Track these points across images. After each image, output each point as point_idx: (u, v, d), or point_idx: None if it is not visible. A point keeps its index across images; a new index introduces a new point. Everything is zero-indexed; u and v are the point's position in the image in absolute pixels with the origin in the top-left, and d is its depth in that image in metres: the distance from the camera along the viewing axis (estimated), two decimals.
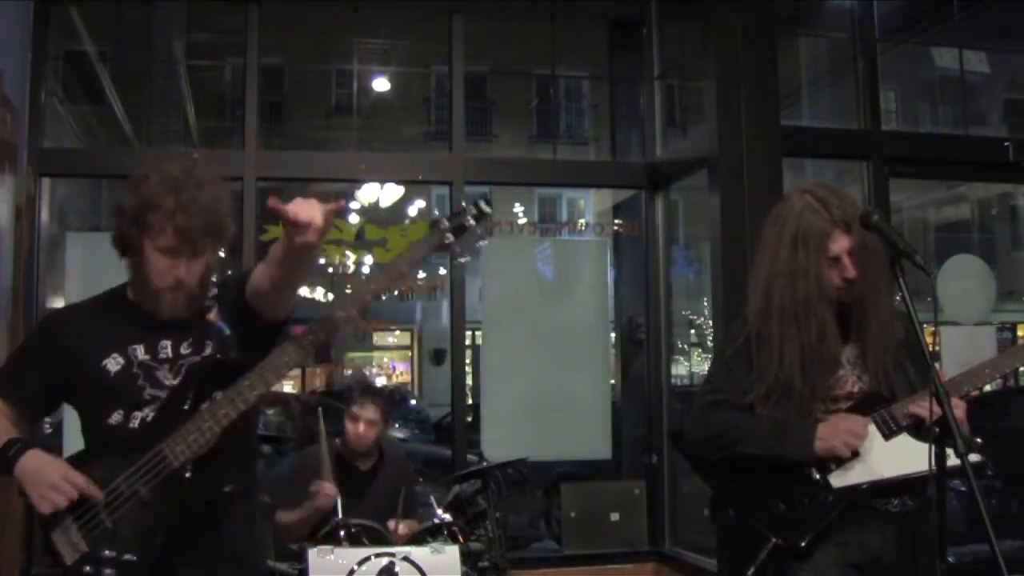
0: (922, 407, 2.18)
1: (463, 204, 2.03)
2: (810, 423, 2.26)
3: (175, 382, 2.07)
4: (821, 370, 2.27)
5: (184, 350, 2.10)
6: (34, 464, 2.00)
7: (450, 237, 1.99)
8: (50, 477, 1.97)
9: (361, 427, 3.88)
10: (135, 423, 2.04)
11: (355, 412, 3.89)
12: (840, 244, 2.23)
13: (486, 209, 2.01)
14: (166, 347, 2.10)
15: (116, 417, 2.04)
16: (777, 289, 2.28)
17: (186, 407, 2.02)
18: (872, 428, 2.26)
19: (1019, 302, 12.85)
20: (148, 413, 2.04)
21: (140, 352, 2.09)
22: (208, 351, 2.11)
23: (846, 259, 2.24)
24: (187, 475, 1.97)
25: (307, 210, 1.76)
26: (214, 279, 2.16)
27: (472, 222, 2.00)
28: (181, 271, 2.03)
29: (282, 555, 3.75)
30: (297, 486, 3.94)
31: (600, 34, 6.53)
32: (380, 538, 3.45)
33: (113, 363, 2.07)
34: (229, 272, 2.26)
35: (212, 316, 2.14)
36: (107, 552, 1.96)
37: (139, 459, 1.98)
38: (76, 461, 2.04)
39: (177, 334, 2.11)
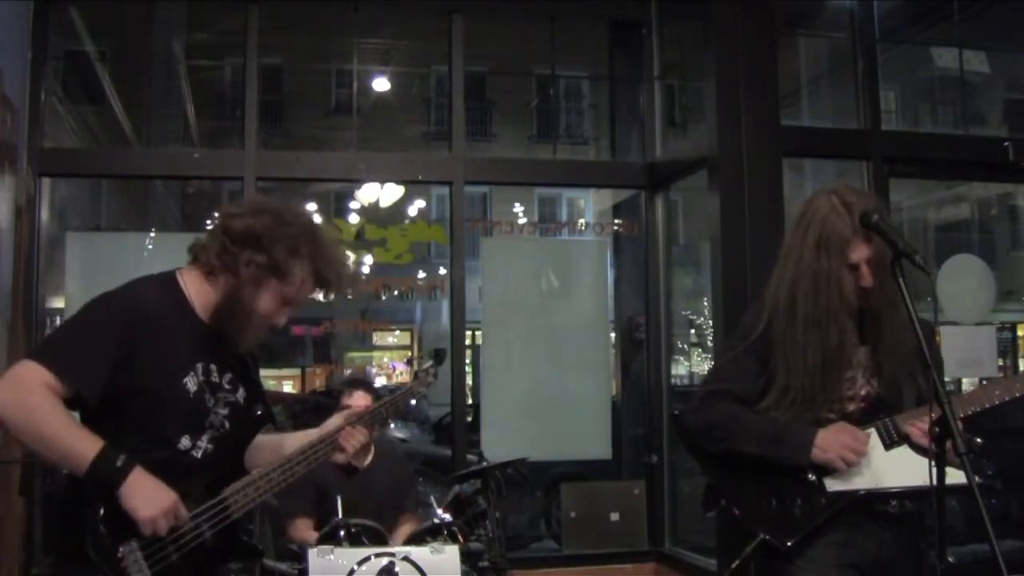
0: (921, 427, 2.17)
1: (421, 362, 2.72)
2: (810, 429, 2.25)
3: (221, 412, 2.05)
4: (836, 374, 2.27)
5: (226, 384, 2.08)
6: (146, 481, 1.88)
7: (432, 379, 2.62)
8: (167, 502, 1.88)
9: None
10: (199, 453, 2.00)
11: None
12: (859, 252, 2.22)
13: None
14: (213, 371, 2.06)
15: (185, 442, 1.98)
16: (802, 292, 2.26)
17: (239, 448, 2.08)
18: (873, 436, 2.25)
19: (1019, 302, 12.83)
20: (207, 444, 2.01)
21: (200, 372, 2.02)
22: (240, 395, 2.11)
23: (864, 268, 2.22)
24: (248, 527, 2.03)
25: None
26: None
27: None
28: (285, 318, 2.07)
29: (282, 555, 3.75)
30: (301, 490, 3.94)
31: (600, 34, 6.52)
32: (380, 538, 3.46)
33: (192, 382, 1.99)
34: None
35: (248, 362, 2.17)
36: None
37: (200, 495, 1.97)
38: None
39: (221, 362, 2.07)
